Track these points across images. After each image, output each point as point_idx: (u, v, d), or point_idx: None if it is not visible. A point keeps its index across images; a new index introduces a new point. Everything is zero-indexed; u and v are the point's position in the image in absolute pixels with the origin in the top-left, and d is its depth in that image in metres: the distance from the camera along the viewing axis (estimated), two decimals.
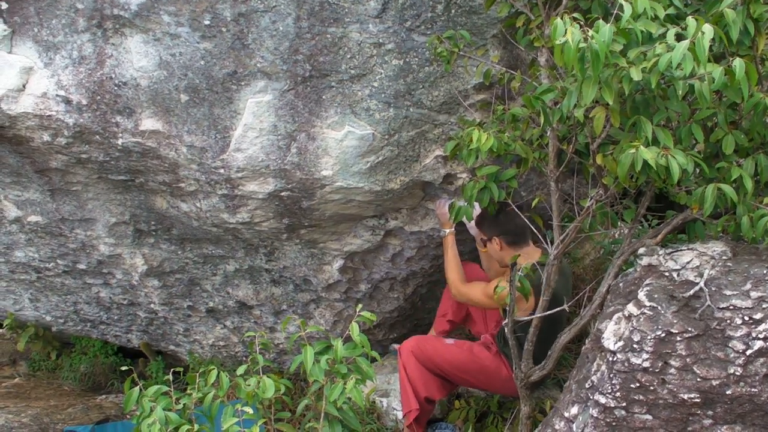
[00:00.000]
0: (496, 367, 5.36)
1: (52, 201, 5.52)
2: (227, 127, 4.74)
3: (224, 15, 4.51)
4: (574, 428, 3.90)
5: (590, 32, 3.22)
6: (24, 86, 4.67)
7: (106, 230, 5.68)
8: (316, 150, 4.79)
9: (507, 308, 4.78)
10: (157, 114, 4.73)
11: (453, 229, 5.33)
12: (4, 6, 4.58)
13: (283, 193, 4.96)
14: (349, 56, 4.62)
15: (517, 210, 4.78)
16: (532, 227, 4.77)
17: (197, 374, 4.23)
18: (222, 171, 4.84)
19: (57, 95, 4.67)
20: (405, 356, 5.40)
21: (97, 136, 4.80)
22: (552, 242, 4.54)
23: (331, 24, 4.54)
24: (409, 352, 5.41)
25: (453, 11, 4.66)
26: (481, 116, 4.90)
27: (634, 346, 3.66)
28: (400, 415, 5.71)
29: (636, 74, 3.28)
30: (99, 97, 4.69)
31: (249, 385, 4.05)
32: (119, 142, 4.79)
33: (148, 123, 4.74)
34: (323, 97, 4.69)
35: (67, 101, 4.68)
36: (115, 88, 4.66)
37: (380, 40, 4.59)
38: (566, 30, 3.24)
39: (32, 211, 5.65)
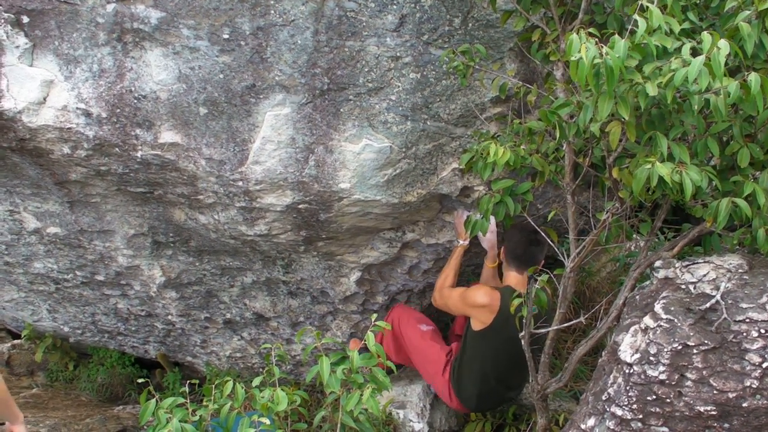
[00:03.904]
0: (439, 367, 5.69)
1: (71, 213, 5.56)
2: (245, 140, 4.77)
3: (243, 29, 4.54)
4: None
5: (605, 48, 3.23)
6: (45, 99, 4.71)
7: (125, 242, 5.71)
8: (333, 163, 4.81)
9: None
10: (176, 127, 4.76)
11: (467, 242, 5.38)
12: (26, 20, 4.62)
13: (300, 206, 4.99)
14: (366, 70, 4.65)
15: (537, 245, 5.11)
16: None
17: (213, 386, 4.25)
18: (240, 183, 4.86)
19: (77, 108, 4.71)
20: (390, 316, 5.96)
21: (117, 149, 4.83)
22: (568, 255, 4.55)
23: (349, 38, 4.57)
24: (394, 316, 5.89)
25: (470, 25, 4.69)
26: (498, 129, 4.92)
27: (651, 358, 3.66)
28: (416, 426, 5.74)
29: (651, 89, 3.29)
30: (119, 110, 4.72)
31: (263, 398, 4.07)
32: (138, 154, 4.83)
33: (167, 136, 4.77)
34: (341, 110, 4.71)
35: (87, 114, 4.72)
36: (135, 101, 4.70)
37: (398, 54, 4.62)
38: (581, 46, 3.26)
39: (51, 222, 5.69)
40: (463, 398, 5.60)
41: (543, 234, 4.79)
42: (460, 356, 5.47)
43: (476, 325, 5.29)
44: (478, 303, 5.21)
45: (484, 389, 5.48)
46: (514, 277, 5.18)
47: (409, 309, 5.91)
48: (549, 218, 4.81)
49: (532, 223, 4.90)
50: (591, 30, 3.40)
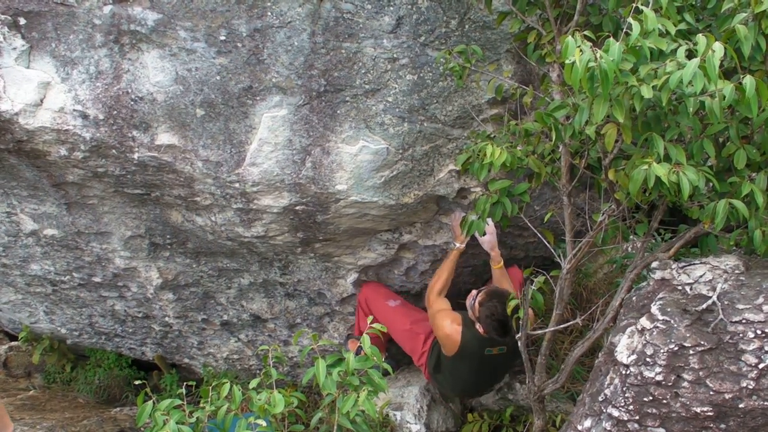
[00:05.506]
0: (416, 344, 5.75)
1: (68, 214, 5.55)
2: (242, 142, 4.77)
3: (240, 30, 4.54)
4: None
5: (599, 52, 3.23)
6: (41, 101, 4.71)
7: (122, 243, 5.71)
8: (330, 164, 4.81)
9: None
10: (173, 128, 4.76)
11: (464, 245, 5.38)
12: (23, 21, 4.62)
13: (297, 207, 4.99)
14: (363, 71, 4.65)
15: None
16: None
17: (210, 387, 4.25)
18: (237, 185, 4.86)
19: (74, 110, 4.71)
20: (359, 298, 5.88)
21: (114, 150, 4.83)
22: (565, 256, 4.55)
23: (345, 39, 4.57)
24: (362, 297, 5.86)
25: (467, 26, 4.69)
26: (495, 131, 4.91)
27: (647, 359, 3.67)
28: (414, 427, 5.74)
29: (647, 92, 3.29)
30: (115, 112, 4.72)
31: (260, 399, 4.06)
32: (135, 156, 4.83)
33: (164, 137, 4.77)
34: (338, 111, 4.72)
35: (84, 116, 4.72)
36: (132, 102, 4.70)
37: (394, 55, 4.62)
38: (575, 49, 3.26)
39: (48, 224, 5.68)
40: (440, 391, 5.95)
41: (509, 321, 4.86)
42: (435, 361, 5.57)
43: (443, 349, 5.42)
44: (442, 332, 5.31)
45: (458, 392, 5.87)
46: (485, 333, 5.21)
47: (376, 287, 5.91)
48: (546, 219, 4.81)
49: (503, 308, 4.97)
50: (587, 32, 3.40)
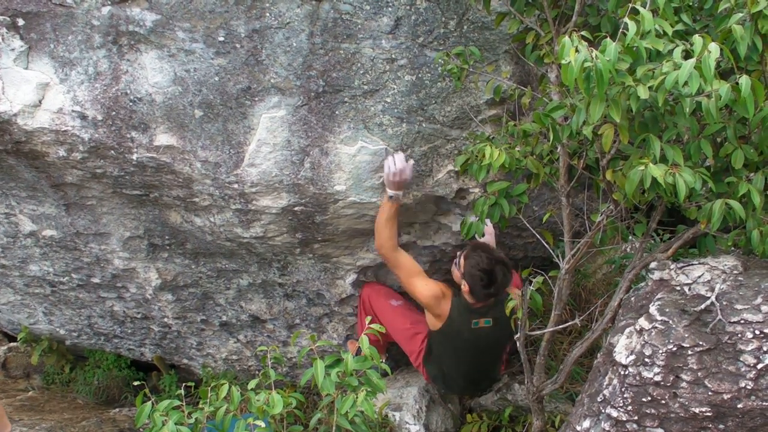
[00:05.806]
0: (414, 347, 5.69)
1: (67, 215, 5.55)
2: (241, 143, 4.77)
3: (238, 31, 4.54)
4: None
5: (594, 52, 3.23)
6: (40, 102, 4.71)
7: (121, 244, 5.71)
8: (329, 165, 4.81)
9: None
10: (172, 129, 4.76)
11: (402, 196, 4.99)
12: (21, 22, 4.62)
13: (296, 208, 4.99)
14: (362, 72, 4.65)
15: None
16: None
17: (209, 388, 4.25)
18: (236, 186, 4.86)
19: (73, 111, 4.71)
20: (361, 297, 5.87)
21: (112, 151, 4.83)
22: (563, 257, 4.55)
23: (344, 40, 4.57)
24: (364, 296, 5.79)
25: (465, 27, 4.69)
26: (493, 131, 4.92)
27: (646, 359, 3.67)
28: (413, 428, 5.74)
29: (643, 92, 3.30)
30: (114, 113, 4.72)
31: (259, 400, 4.06)
32: (134, 157, 4.83)
33: (163, 138, 4.77)
34: (336, 112, 4.72)
35: (83, 117, 4.72)
36: (130, 103, 4.70)
37: (393, 56, 4.62)
38: (571, 49, 3.26)
39: (47, 225, 5.68)
40: (434, 385, 5.89)
41: (501, 266, 4.85)
42: (428, 347, 5.55)
43: (430, 323, 5.40)
44: (427, 302, 5.25)
45: (449, 384, 5.76)
46: (470, 297, 5.17)
47: (379, 286, 5.88)
48: (544, 220, 4.81)
49: (495, 255, 4.95)
50: (584, 33, 3.41)
